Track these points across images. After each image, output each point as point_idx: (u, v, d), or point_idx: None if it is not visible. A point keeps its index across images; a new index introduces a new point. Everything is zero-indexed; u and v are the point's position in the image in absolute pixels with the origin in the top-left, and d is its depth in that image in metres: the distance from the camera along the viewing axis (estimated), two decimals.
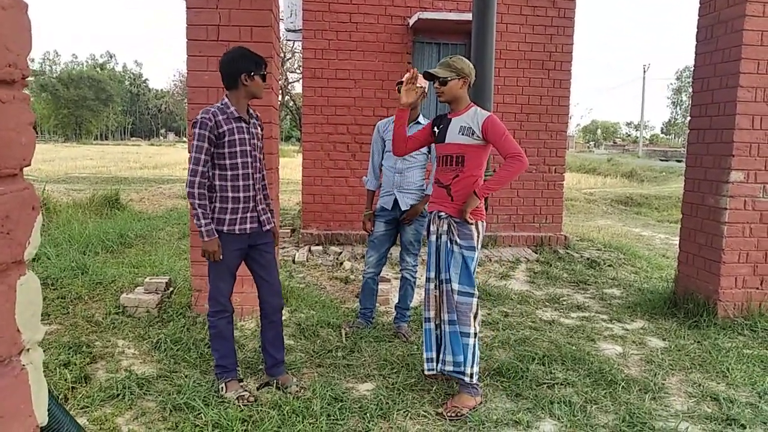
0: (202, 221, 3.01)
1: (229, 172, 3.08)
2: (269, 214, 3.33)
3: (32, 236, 0.76)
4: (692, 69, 5.08)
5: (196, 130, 3.01)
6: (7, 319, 0.72)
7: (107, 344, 3.84)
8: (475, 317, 3.21)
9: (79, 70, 79.90)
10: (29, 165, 0.76)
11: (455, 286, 3.19)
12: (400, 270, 4.36)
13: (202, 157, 3.02)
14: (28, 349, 0.76)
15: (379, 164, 4.34)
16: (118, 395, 3.14)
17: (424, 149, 4.10)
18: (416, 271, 4.34)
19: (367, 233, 4.37)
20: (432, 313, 3.34)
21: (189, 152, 3.14)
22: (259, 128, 3.26)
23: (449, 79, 3.19)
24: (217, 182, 3.09)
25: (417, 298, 5.33)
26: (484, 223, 3.29)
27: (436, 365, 3.35)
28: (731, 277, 4.60)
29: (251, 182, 3.16)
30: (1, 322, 0.71)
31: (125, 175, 19.26)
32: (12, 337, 0.72)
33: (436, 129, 3.37)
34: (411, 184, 4.17)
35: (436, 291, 3.32)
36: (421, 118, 4.18)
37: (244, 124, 3.11)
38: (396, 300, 4.49)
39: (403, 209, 4.18)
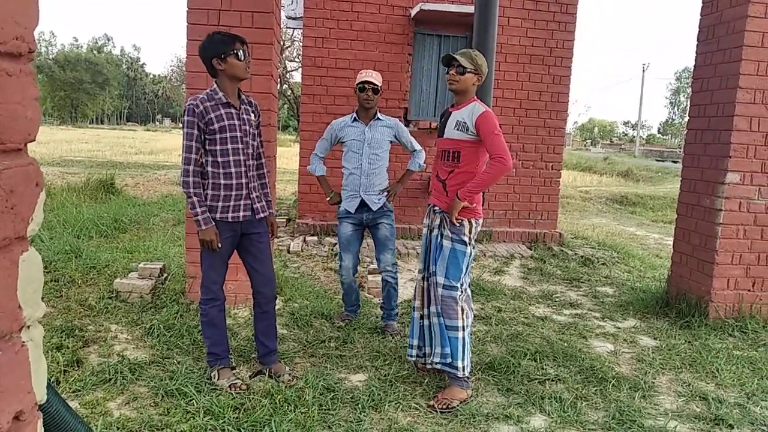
0: (198, 209, 3.00)
1: (219, 159, 3.05)
2: (264, 203, 3.31)
3: (35, 212, 0.75)
4: (692, 69, 5.09)
5: (185, 118, 3.01)
6: (9, 294, 0.71)
7: (100, 329, 3.83)
8: (462, 311, 3.21)
9: (77, 52, 79.16)
10: (34, 140, 0.75)
11: (440, 279, 3.20)
12: (380, 272, 4.22)
13: (193, 144, 3.00)
14: (28, 326, 0.76)
15: (323, 157, 4.26)
16: (110, 380, 3.14)
17: (387, 145, 4.09)
18: (396, 270, 4.22)
19: (337, 205, 4.19)
20: (418, 303, 3.41)
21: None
22: (253, 114, 3.21)
23: (468, 70, 3.17)
24: (209, 169, 3.07)
25: (410, 291, 5.35)
26: (480, 221, 3.29)
27: (416, 352, 3.42)
28: (724, 278, 4.62)
29: (243, 169, 3.12)
30: (2, 298, 0.70)
31: (120, 159, 19.14)
32: (13, 313, 0.72)
33: (440, 123, 3.38)
34: (378, 185, 4.08)
35: (423, 283, 3.36)
36: (379, 114, 4.10)
37: (233, 110, 3.07)
38: (381, 301, 4.36)
39: (374, 209, 4.07)
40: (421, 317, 3.38)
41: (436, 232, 3.26)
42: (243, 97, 3.19)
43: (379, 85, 4.01)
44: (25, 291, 0.74)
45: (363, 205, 4.09)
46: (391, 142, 4.14)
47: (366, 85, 3.96)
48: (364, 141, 4.04)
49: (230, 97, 3.07)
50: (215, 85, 3.07)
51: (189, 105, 3.00)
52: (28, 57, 0.74)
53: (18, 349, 0.73)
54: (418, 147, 4.24)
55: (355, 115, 4.12)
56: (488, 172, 3.10)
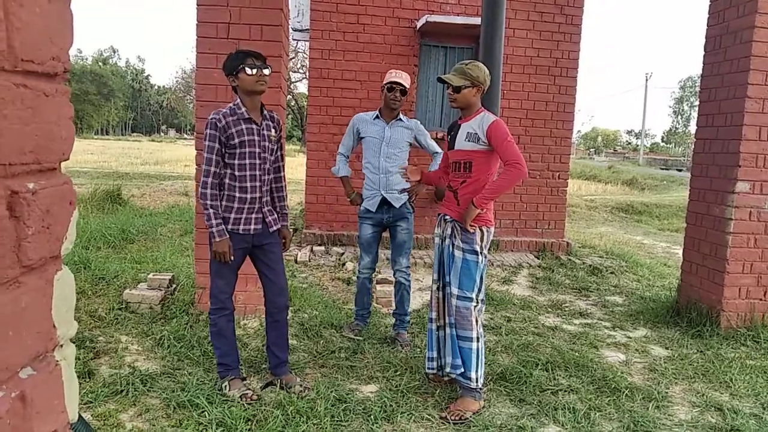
0: (213, 221, 3.03)
1: (237, 173, 3.10)
2: (277, 215, 3.33)
3: (69, 231, 0.76)
4: (697, 79, 5.08)
5: (207, 131, 3.04)
6: (44, 314, 0.71)
7: (110, 340, 3.83)
8: (477, 322, 3.21)
9: (82, 64, 79.73)
10: (68, 159, 0.76)
11: (454, 290, 3.20)
12: (394, 273, 4.24)
13: (214, 157, 3.04)
14: (61, 345, 0.76)
15: (348, 155, 4.26)
16: (121, 391, 3.14)
17: (406, 146, 4.13)
18: (410, 274, 4.25)
19: (358, 205, 4.21)
20: (435, 315, 3.40)
21: (197, 150, 3.14)
22: (273, 130, 3.24)
23: (463, 87, 3.18)
24: (226, 181, 3.12)
25: (419, 300, 5.33)
26: (492, 229, 3.29)
27: (437, 365, 3.39)
28: (735, 287, 4.60)
29: (258, 183, 3.16)
30: (38, 318, 0.70)
31: (126, 170, 19.22)
32: (48, 333, 0.72)
33: (449, 137, 3.39)
34: (397, 184, 4.06)
35: (438, 293, 3.35)
36: (401, 116, 4.13)
37: (254, 126, 3.11)
38: (393, 306, 4.37)
39: (397, 206, 4.08)
40: (438, 328, 3.37)
41: (448, 241, 3.26)
42: (266, 112, 3.22)
43: (407, 86, 4.04)
44: (59, 310, 0.74)
45: (384, 203, 4.09)
46: (410, 144, 4.16)
47: (394, 86, 4.00)
48: (383, 139, 4.06)
49: (252, 113, 3.11)
50: (239, 100, 3.10)
51: (212, 119, 3.03)
52: (63, 77, 0.75)
53: (52, 368, 0.73)
54: (438, 149, 4.22)
55: (377, 112, 4.14)
56: (504, 178, 3.09)
